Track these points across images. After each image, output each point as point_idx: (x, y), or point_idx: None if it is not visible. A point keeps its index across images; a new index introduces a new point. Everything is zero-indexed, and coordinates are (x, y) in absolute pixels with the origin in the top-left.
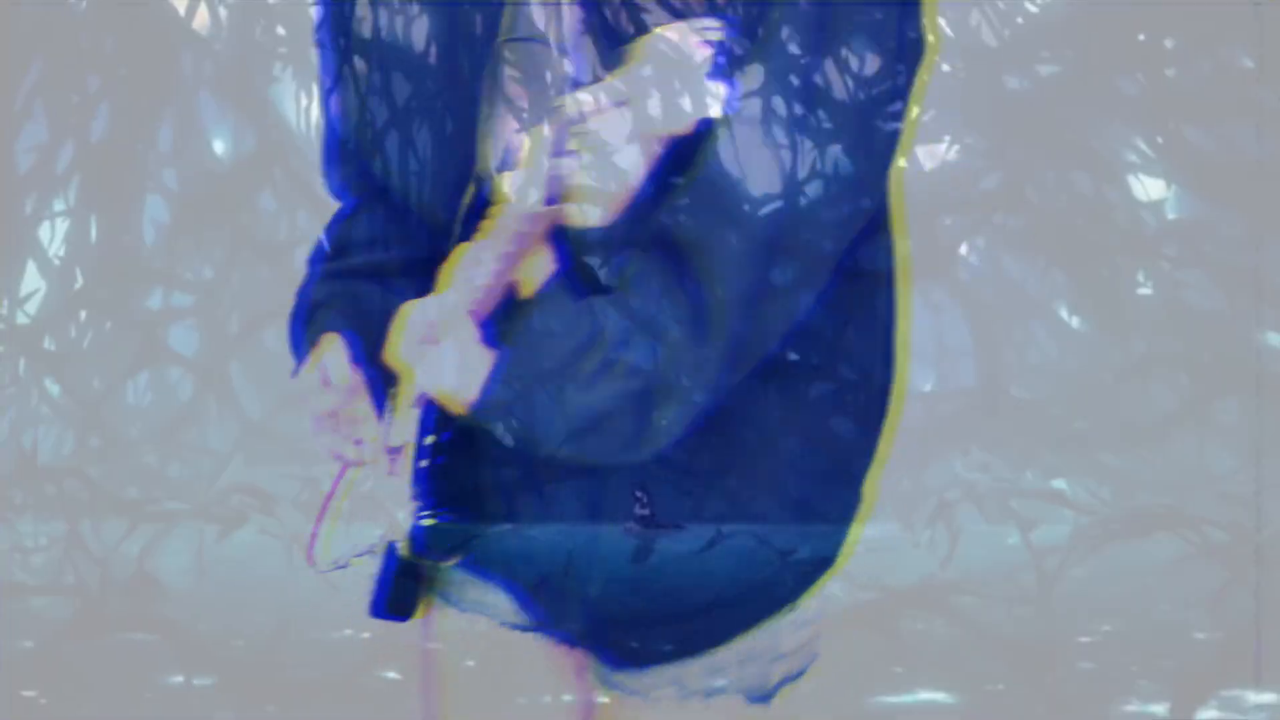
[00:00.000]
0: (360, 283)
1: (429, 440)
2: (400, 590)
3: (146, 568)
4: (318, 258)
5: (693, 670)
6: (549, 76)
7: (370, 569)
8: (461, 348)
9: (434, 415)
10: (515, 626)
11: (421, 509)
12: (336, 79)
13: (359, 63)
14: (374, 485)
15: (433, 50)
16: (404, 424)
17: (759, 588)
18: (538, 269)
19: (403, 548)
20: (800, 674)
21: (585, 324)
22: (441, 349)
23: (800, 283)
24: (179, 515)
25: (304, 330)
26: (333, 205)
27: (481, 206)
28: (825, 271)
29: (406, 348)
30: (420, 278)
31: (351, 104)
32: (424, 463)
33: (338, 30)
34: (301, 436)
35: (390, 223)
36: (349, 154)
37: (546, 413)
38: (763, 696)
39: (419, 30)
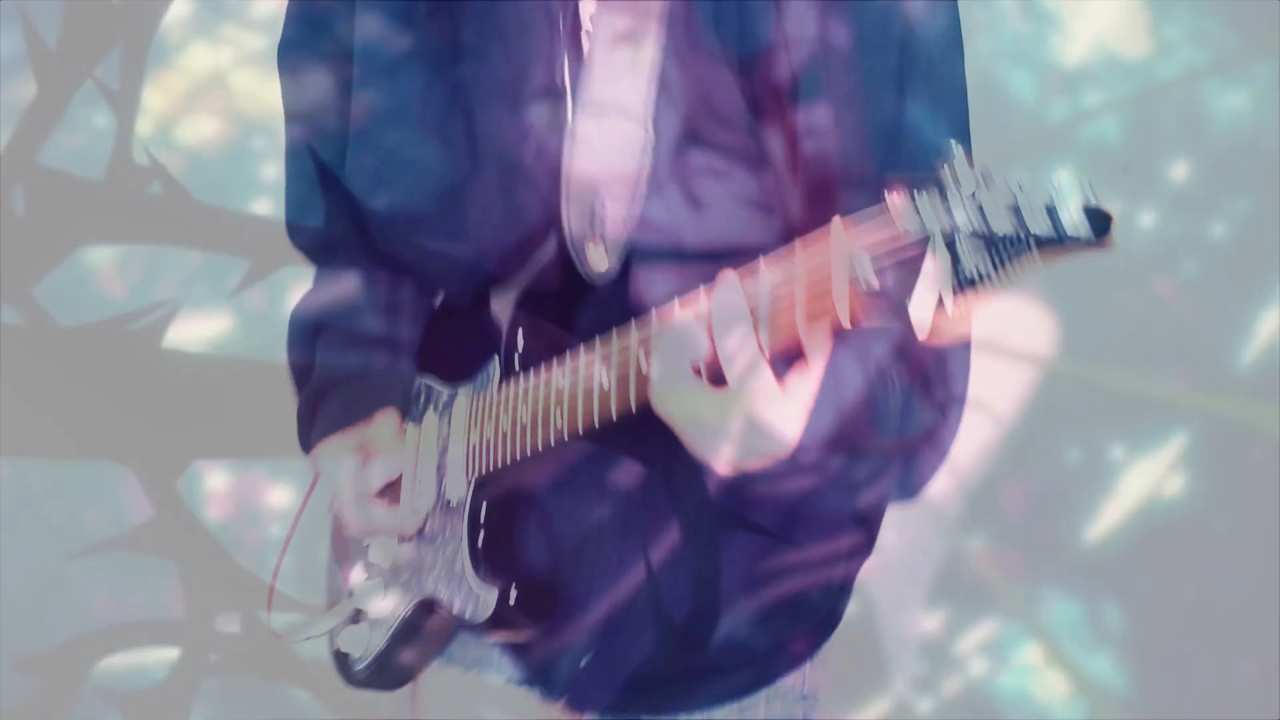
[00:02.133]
0: (377, 353)
1: (482, 514)
2: (406, 659)
3: None
4: (310, 328)
5: (720, 714)
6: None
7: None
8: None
9: (483, 487)
10: (520, 683)
11: (500, 583)
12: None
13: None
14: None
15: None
16: (423, 494)
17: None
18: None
19: (461, 618)
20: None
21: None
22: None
23: None
24: None
25: (317, 405)
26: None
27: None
28: None
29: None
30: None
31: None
32: (480, 537)
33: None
34: None
35: (397, 288)
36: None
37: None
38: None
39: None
